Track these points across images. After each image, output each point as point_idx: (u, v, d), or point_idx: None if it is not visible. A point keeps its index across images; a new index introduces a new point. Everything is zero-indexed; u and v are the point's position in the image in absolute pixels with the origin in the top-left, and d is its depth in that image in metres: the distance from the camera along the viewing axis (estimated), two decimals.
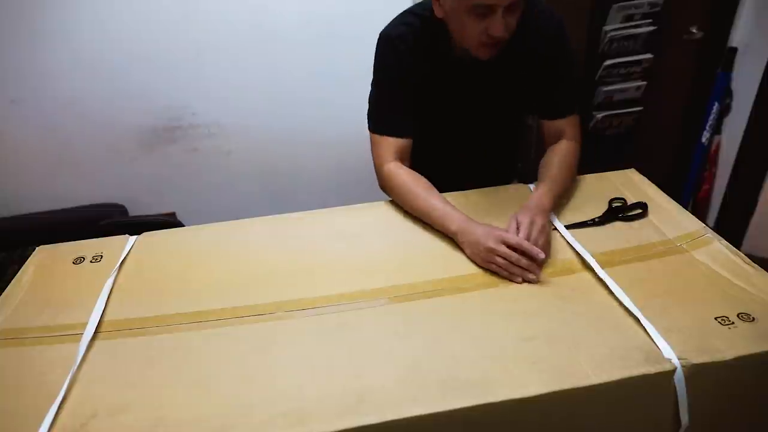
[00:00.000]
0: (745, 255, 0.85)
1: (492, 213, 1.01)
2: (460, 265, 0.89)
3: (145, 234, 1.05)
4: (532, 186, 1.10)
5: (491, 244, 0.86)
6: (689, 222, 0.96)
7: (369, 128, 1.10)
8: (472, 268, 0.88)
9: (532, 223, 0.89)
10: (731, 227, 2.05)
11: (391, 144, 1.07)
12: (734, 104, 2.02)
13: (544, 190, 1.00)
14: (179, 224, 1.41)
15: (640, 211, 0.99)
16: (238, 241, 1.01)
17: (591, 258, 0.86)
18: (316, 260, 0.93)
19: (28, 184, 2.04)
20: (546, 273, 0.86)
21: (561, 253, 0.90)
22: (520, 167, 1.43)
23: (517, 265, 0.84)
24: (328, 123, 2.08)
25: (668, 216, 0.98)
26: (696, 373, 0.66)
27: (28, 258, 1.00)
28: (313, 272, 0.90)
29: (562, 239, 0.94)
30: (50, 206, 2.02)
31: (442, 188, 1.04)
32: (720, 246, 0.88)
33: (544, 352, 0.70)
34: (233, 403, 0.66)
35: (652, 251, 0.89)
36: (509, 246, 0.85)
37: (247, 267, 0.93)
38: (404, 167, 1.07)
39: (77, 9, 1.78)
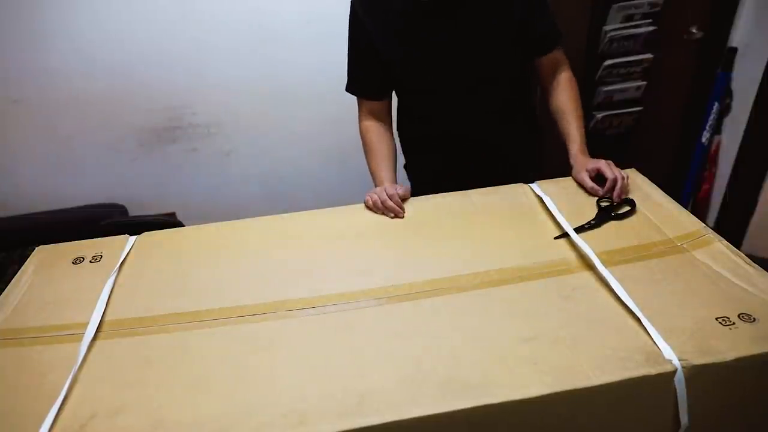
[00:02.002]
0: (746, 255, 0.85)
1: (492, 213, 1.01)
2: (460, 265, 0.89)
3: (145, 234, 1.05)
4: (533, 185, 1.10)
5: (376, 191, 1.06)
6: (690, 222, 0.96)
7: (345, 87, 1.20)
8: (472, 268, 0.88)
9: (605, 168, 1.03)
10: (731, 227, 2.05)
11: (363, 104, 1.20)
12: (734, 104, 2.02)
13: (578, 143, 1.11)
14: (179, 224, 1.42)
15: (629, 208, 1.00)
16: (238, 241, 1.01)
17: (595, 257, 0.86)
18: (316, 260, 0.93)
19: (28, 184, 2.04)
20: (546, 272, 0.86)
21: (562, 253, 0.90)
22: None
23: (384, 207, 1.03)
24: (328, 123, 2.08)
25: (669, 215, 0.98)
26: (696, 374, 0.66)
27: (28, 258, 1.00)
28: (313, 272, 0.90)
29: (563, 239, 0.94)
30: (50, 206, 2.02)
31: (451, 173, 1.11)
32: (721, 246, 0.88)
33: (545, 353, 0.70)
34: (233, 403, 0.66)
35: (653, 251, 0.89)
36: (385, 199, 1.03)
37: (247, 267, 0.93)
38: (375, 128, 1.18)
39: (77, 9, 1.78)
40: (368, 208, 1.06)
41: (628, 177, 1.05)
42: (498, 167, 1.21)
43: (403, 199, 1.06)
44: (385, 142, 1.20)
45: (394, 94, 1.24)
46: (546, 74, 1.19)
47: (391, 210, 1.03)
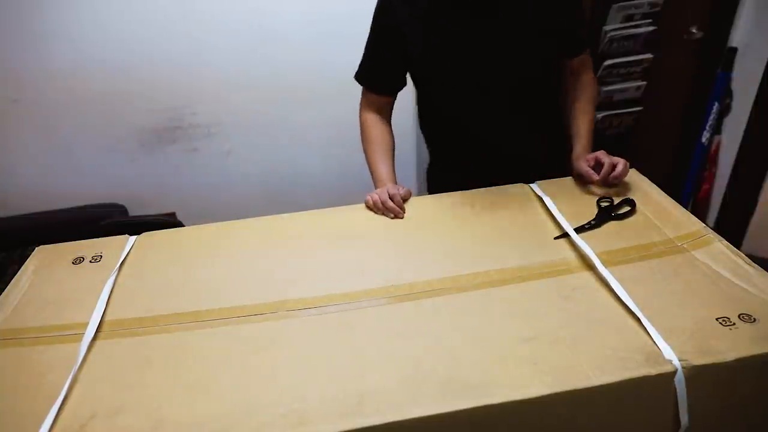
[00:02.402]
0: (746, 255, 0.85)
1: (492, 213, 1.01)
2: (460, 265, 0.89)
3: (145, 234, 1.05)
4: (533, 185, 1.10)
5: (377, 192, 1.06)
6: (690, 222, 0.96)
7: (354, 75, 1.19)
8: (472, 268, 0.88)
9: (603, 156, 1.05)
10: (731, 227, 2.05)
11: (368, 96, 1.20)
12: (734, 104, 2.02)
13: (586, 139, 1.14)
14: (179, 224, 1.42)
15: (629, 208, 1.00)
16: (238, 241, 1.01)
17: (595, 257, 0.86)
18: (316, 260, 0.93)
19: (28, 184, 2.04)
20: (546, 272, 0.86)
21: (562, 253, 0.90)
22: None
23: (385, 207, 1.03)
24: (328, 123, 2.07)
25: (669, 215, 0.98)
26: (696, 374, 0.66)
27: (28, 258, 1.00)
28: (313, 272, 0.90)
29: (563, 239, 0.94)
30: (50, 206, 2.02)
31: (470, 169, 1.11)
32: (721, 246, 0.88)
33: (545, 353, 0.70)
34: (233, 403, 0.66)
35: (653, 251, 0.89)
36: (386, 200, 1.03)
37: (247, 267, 0.93)
38: (376, 121, 1.19)
39: (77, 9, 1.78)
40: (369, 208, 1.06)
41: (627, 165, 1.05)
42: (527, 177, 1.16)
43: (404, 200, 1.06)
44: (385, 136, 1.19)
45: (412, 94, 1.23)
46: (570, 74, 1.20)
47: (392, 210, 1.03)
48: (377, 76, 1.18)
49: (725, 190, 2.09)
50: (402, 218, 1.03)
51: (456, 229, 0.99)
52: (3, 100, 1.88)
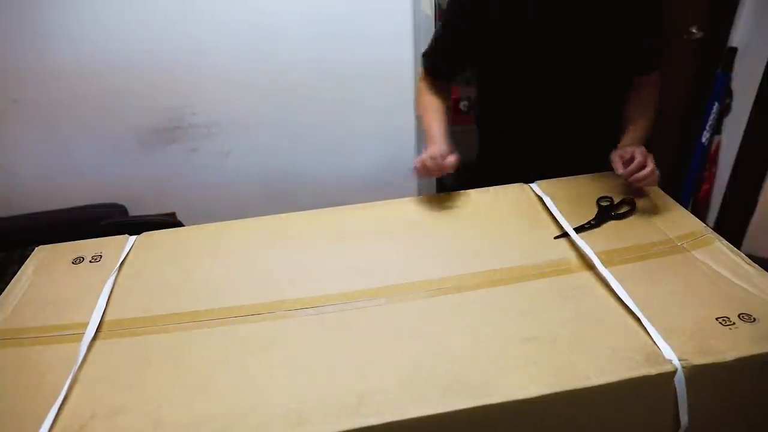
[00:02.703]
0: (745, 255, 0.85)
1: (492, 213, 1.01)
2: (460, 265, 0.89)
3: (145, 234, 1.05)
4: (533, 185, 1.09)
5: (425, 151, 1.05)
6: (690, 221, 0.96)
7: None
8: (472, 268, 0.88)
9: (639, 154, 0.98)
10: (731, 227, 2.05)
11: (427, 78, 1.24)
12: (734, 104, 2.02)
13: (635, 135, 1.08)
14: (179, 224, 1.41)
15: (629, 208, 1.00)
16: (238, 241, 1.01)
17: (595, 257, 0.86)
18: (316, 260, 0.93)
19: (28, 184, 2.04)
20: (546, 272, 0.86)
21: (562, 253, 0.90)
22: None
23: (427, 165, 1.02)
24: (329, 123, 2.07)
25: (668, 215, 0.98)
26: (696, 374, 0.66)
27: (28, 258, 1.00)
28: (313, 272, 0.90)
29: (563, 238, 0.94)
30: (50, 206, 2.01)
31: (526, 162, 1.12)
32: (721, 246, 0.88)
33: (545, 353, 0.70)
34: (233, 403, 0.66)
35: (653, 251, 0.89)
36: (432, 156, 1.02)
37: (247, 267, 0.93)
38: (428, 90, 1.22)
39: (77, 9, 1.78)
40: (419, 173, 1.05)
41: (655, 174, 0.98)
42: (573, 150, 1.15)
43: (447, 164, 1.03)
44: (438, 102, 1.20)
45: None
46: (634, 89, 1.14)
47: (431, 170, 1.02)
48: (439, 65, 1.23)
49: (725, 190, 2.09)
50: (448, 174, 1.04)
51: (456, 228, 0.99)
52: (3, 100, 1.88)
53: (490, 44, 1.09)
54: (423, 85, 1.25)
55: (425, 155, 1.03)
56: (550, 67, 1.09)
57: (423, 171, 1.04)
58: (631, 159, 0.99)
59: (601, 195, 1.04)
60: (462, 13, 1.11)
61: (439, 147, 1.05)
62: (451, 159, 1.03)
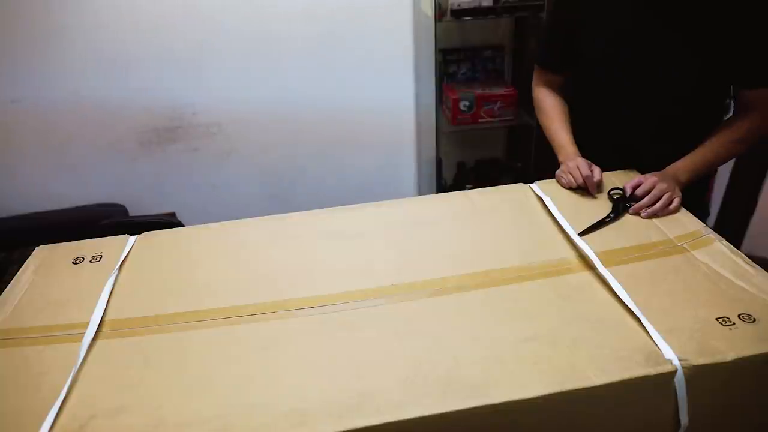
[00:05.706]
0: (745, 255, 0.85)
1: (492, 213, 1.01)
2: (460, 265, 0.89)
3: (145, 234, 1.05)
4: (533, 185, 1.10)
5: (569, 164, 1.07)
6: (690, 222, 0.96)
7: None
8: (472, 268, 0.88)
9: (653, 185, 0.99)
10: (731, 227, 2.05)
11: (540, 73, 1.26)
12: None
13: (686, 163, 1.08)
14: (179, 224, 1.41)
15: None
16: (238, 241, 1.01)
17: (595, 257, 0.86)
18: (316, 260, 0.93)
19: (28, 184, 2.04)
20: (546, 272, 0.86)
21: (562, 252, 0.90)
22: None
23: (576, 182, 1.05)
24: (329, 123, 2.08)
25: (669, 215, 0.98)
26: (696, 374, 0.66)
27: (28, 258, 1.00)
28: (314, 272, 0.90)
29: (563, 238, 0.94)
30: (50, 206, 2.02)
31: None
32: (721, 246, 0.88)
33: (545, 353, 0.70)
34: (233, 403, 0.66)
35: (653, 251, 0.89)
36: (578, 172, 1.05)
37: (247, 267, 0.93)
38: (548, 94, 1.24)
39: (77, 9, 1.78)
40: (563, 184, 1.08)
41: (656, 208, 0.97)
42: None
43: (597, 178, 1.05)
44: (559, 105, 1.22)
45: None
46: (740, 106, 1.06)
47: (591, 186, 1.04)
48: (548, 54, 1.24)
49: (725, 190, 2.09)
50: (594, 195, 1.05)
51: (456, 228, 1.00)
52: (3, 100, 1.89)
53: (589, 38, 1.10)
54: (538, 92, 1.26)
55: (577, 177, 1.04)
56: (642, 68, 1.06)
57: (576, 182, 1.06)
58: (638, 184, 1.01)
59: (612, 188, 1.05)
60: (565, 7, 1.15)
61: (582, 165, 1.05)
62: (596, 169, 1.06)
